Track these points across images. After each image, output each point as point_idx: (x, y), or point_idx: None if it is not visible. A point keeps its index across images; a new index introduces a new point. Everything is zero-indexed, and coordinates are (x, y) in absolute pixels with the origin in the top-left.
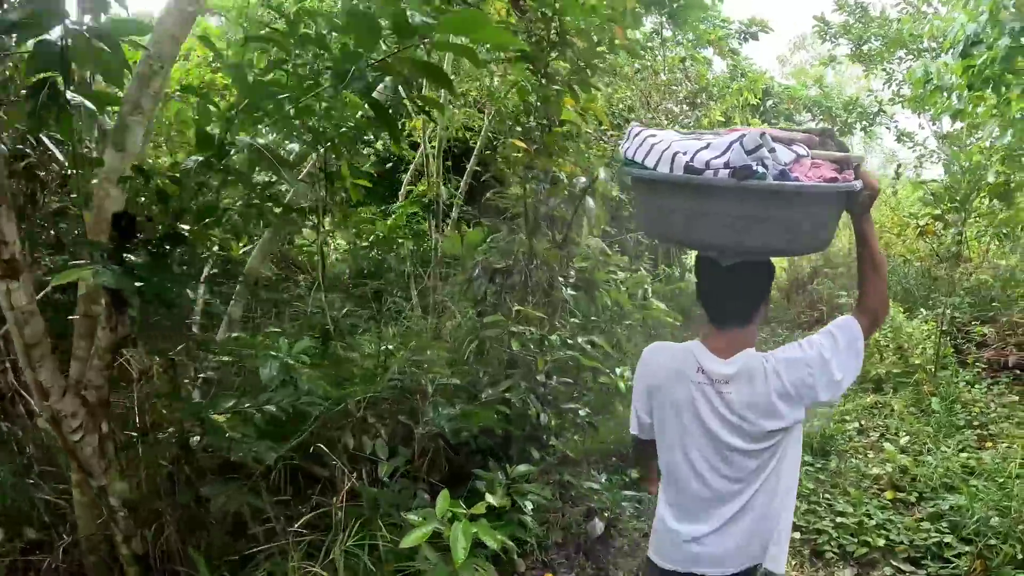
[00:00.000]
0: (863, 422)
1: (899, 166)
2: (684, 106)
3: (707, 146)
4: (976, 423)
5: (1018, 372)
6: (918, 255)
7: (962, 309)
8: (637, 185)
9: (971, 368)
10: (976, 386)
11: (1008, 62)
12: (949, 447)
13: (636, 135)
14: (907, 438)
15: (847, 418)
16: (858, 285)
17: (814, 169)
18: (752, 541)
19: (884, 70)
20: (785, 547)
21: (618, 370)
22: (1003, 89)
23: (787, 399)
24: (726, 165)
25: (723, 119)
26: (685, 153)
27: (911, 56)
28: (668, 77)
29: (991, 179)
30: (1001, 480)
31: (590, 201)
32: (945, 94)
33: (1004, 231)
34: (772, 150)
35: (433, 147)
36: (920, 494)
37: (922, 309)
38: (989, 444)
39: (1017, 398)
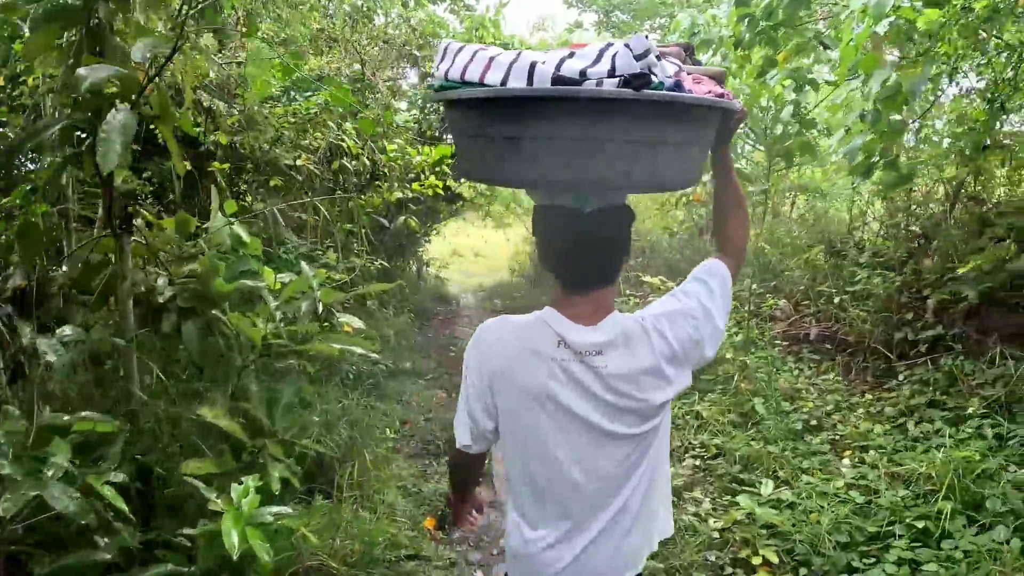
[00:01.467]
0: (677, 452)
1: None
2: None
3: (571, 55)
4: (814, 422)
5: (827, 346)
6: (684, 226)
7: (738, 281)
8: (464, 114)
9: (770, 348)
10: (788, 371)
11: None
12: (808, 470)
13: (459, 50)
14: (749, 468)
15: None
16: (717, 225)
17: (697, 85)
18: (633, 545)
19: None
20: (670, 516)
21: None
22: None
23: (675, 361)
24: (611, 74)
25: None
26: (544, 63)
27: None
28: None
29: None
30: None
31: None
32: (712, 50)
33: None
34: (659, 57)
35: None
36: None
37: None
38: (847, 452)
39: (839, 378)
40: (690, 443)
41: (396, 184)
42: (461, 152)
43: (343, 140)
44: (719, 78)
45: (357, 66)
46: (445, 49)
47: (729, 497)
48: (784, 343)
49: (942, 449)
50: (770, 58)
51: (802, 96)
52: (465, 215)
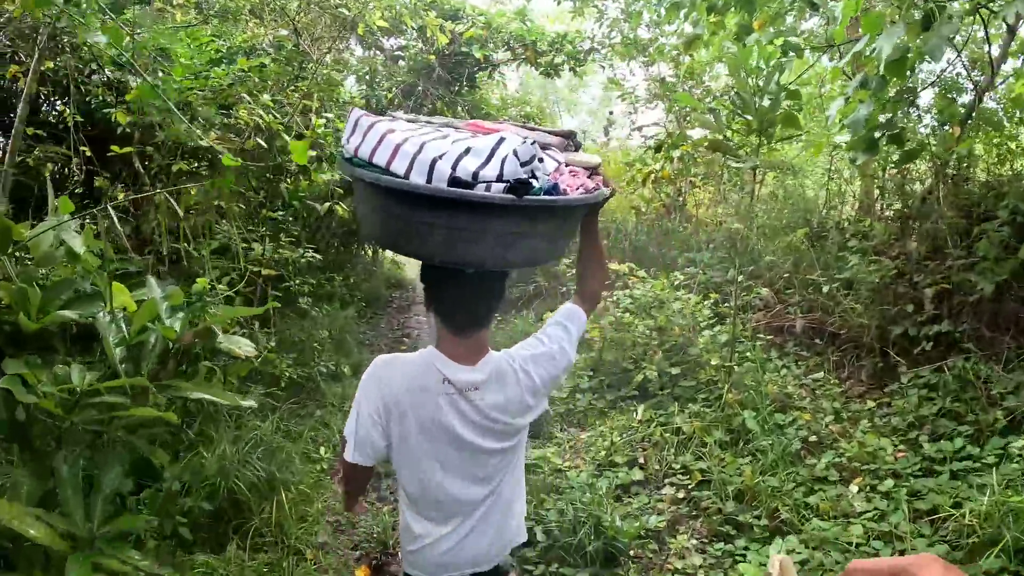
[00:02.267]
0: (656, 495)
1: (611, 113)
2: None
3: (467, 151)
4: (814, 438)
5: (817, 341)
6: (653, 205)
7: (712, 267)
8: (373, 193)
9: (755, 348)
10: (775, 370)
11: None
12: (816, 508)
13: (369, 128)
14: (744, 503)
15: (621, 484)
16: (580, 276)
17: (573, 178)
18: (505, 527)
19: (596, 7)
20: (523, 516)
21: None
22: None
23: (536, 394)
24: (499, 178)
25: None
26: (443, 158)
27: None
28: None
29: None
30: None
31: None
32: (683, 15)
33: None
34: (541, 160)
35: None
36: None
37: (678, 275)
38: (857, 479)
39: (833, 378)
40: (671, 466)
41: (326, 164)
42: (364, 219)
43: (259, 115)
44: (595, 168)
45: (285, 32)
46: (356, 123)
47: (722, 544)
48: (767, 336)
49: (969, 479)
50: (745, 25)
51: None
52: None
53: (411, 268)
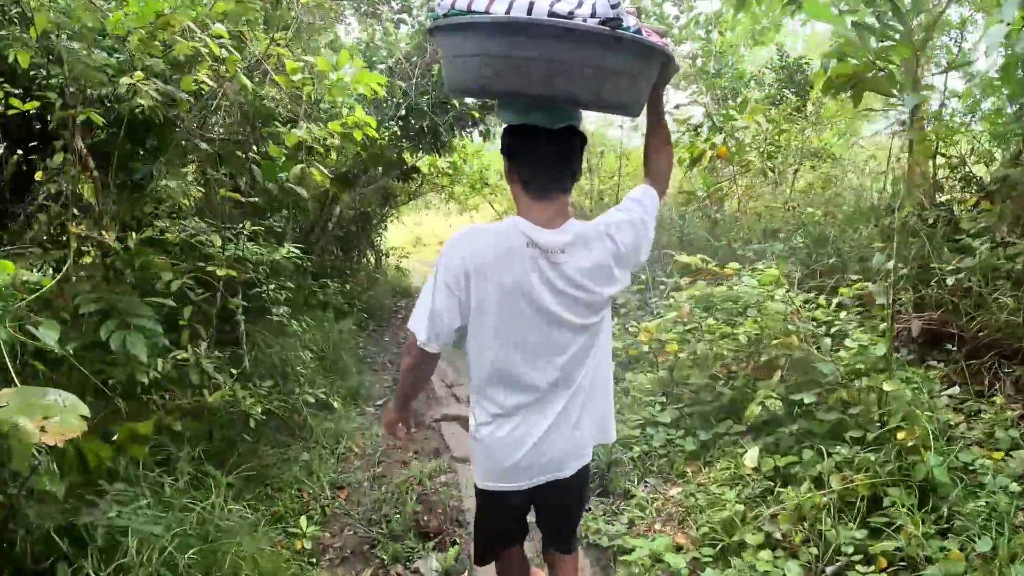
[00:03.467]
0: None
1: None
2: None
3: None
4: (1015, 486)
5: (949, 347)
6: (712, 189)
7: (786, 259)
8: (471, 36)
9: (904, 364)
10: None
11: None
12: None
13: None
14: None
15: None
16: (649, 157)
17: (649, 35)
18: (583, 434)
19: None
20: (612, 416)
21: None
22: None
23: (620, 262)
24: (592, 15)
25: None
26: (539, 1)
27: None
28: None
29: None
30: None
31: None
32: None
33: None
34: (625, 11)
35: None
36: None
37: (762, 265)
38: None
39: (993, 399)
40: (839, 548)
41: (303, 123)
42: (457, 69)
43: (207, 46)
44: (663, 34)
45: None
46: None
47: None
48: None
49: None
50: None
51: None
52: (428, 200)
53: (417, 276)
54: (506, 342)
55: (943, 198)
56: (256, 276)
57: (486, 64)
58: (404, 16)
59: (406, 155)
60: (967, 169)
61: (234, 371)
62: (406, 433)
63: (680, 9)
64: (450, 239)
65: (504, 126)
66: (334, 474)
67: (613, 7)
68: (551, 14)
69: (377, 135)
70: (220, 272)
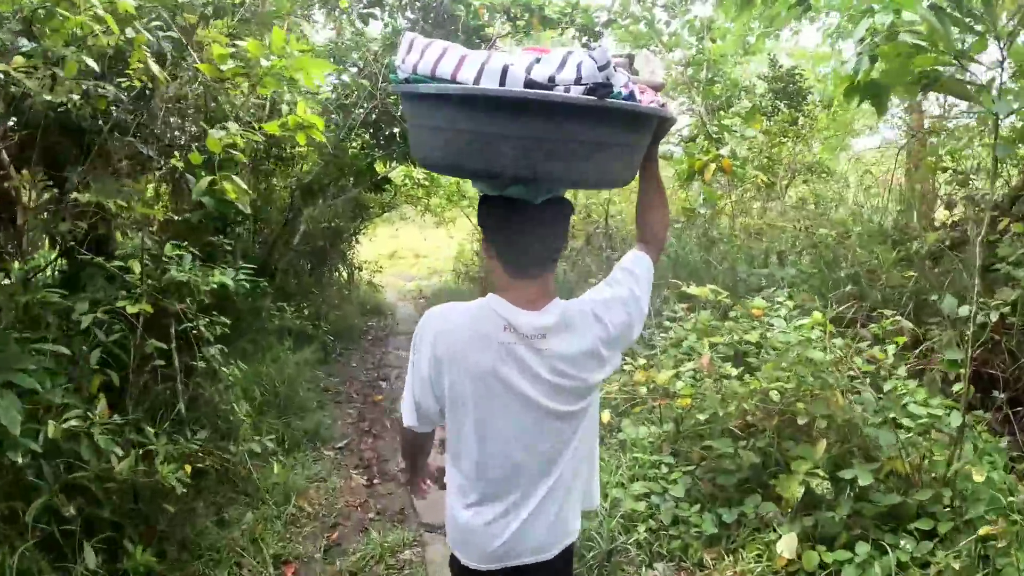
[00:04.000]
0: None
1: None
2: None
3: (538, 60)
4: None
5: (996, 393)
6: (715, 204)
7: (798, 287)
8: (436, 108)
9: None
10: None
11: None
12: None
13: (427, 45)
14: None
15: None
16: (642, 217)
17: (642, 95)
18: (566, 518)
19: None
20: (596, 486)
21: None
22: None
23: (610, 344)
24: (577, 81)
25: None
26: (515, 66)
27: None
28: None
29: None
30: None
31: None
32: None
33: None
34: (615, 68)
35: None
36: None
37: (760, 300)
38: None
39: None
40: None
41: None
42: (422, 141)
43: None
44: (658, 88)
45: None
46: (411, 43)
47: None
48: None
49: None
50: None
51: None
52: (404, 212)
53: (391, 291)
54: (484, 432)
55: (953, 217)
56: (186, 309)
57: (453, 139)
58: (374, 11)
59: (378, 165)
60: (973, 185)
61: (152, 429)
62: (427, 487)
63: (671, 15)
64: (423, 320)
65: (480, 196)
66: (280, 544)
67: (601, 69)
68: (528, 82)
69: (324, 137)
70: (131, 308)
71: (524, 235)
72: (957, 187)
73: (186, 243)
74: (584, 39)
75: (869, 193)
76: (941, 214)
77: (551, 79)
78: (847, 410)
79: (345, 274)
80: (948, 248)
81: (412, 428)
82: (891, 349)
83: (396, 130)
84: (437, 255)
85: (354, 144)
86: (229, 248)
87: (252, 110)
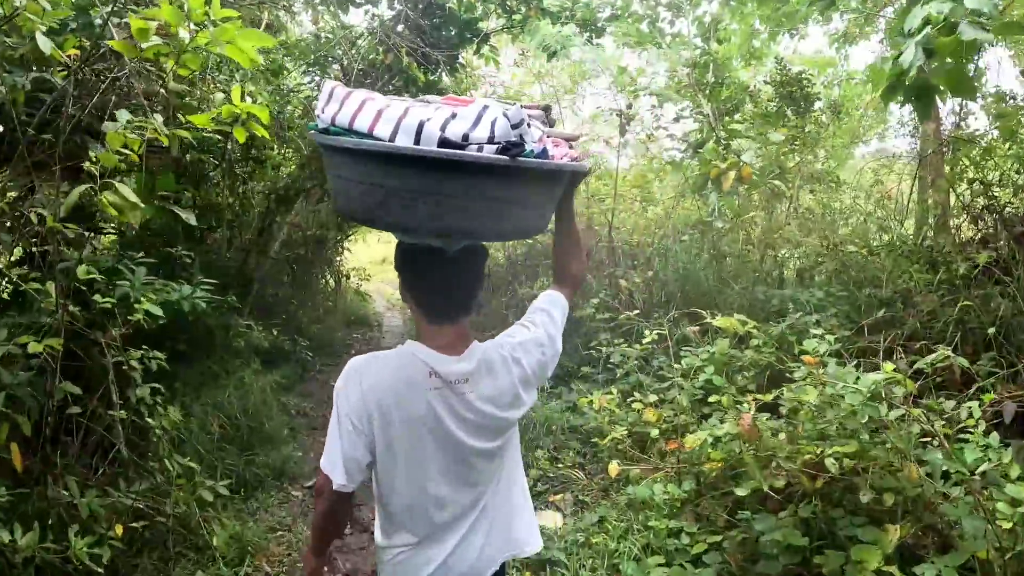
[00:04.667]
0: None
1: (629, 106)
2: None
3: (453, 116)
4: None
5: None
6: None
7: (824, 311)
8: (353, 161)
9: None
10: None
11: None
12: None
13: (347, 96)
14: None
15: None
16: (558, 260)
17: (556, 147)
18: (494, 547)
19: None
20: (533, 526)
21: None
22: None
23: (527, 384)
24: (490, 140)
25: None
26: (429, 121)
27: None
28: None
29: None
30: None
31: None
32: None
33: None
34: (529, 125)
35: None
36: None
37: (783, 328)
38: None
39: None
40: None
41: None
42: (340, 191)
43: None
44: (572, 140)
45: None
46: (331, 93)
47: None
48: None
49: None
50: None
51: None
52: None
53: (379, 299)
54: (415, 476)
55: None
56: (111, 342)
57: (369, 192)
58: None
59: None
60: (993, 197)
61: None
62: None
63: (675, 14)
64: (345, 370)
65: (397, 242)
66: None
67: (515, 127)
68: (443, 140)
69: (265, 132)
70: (34, 347)
71: (442, 282)
72: (979, 199)
73: (142, 254)
74: (586, 35)
75: (881, 205)
76: (965, 228)
77: (465, 137)
78: (926, 488)
79: (332, 282)
80: (983, 267)
81: (340, 488)
82: (976, 409)
83: None
84: None
85: None
86: (189, 260)
87: (186, 99)
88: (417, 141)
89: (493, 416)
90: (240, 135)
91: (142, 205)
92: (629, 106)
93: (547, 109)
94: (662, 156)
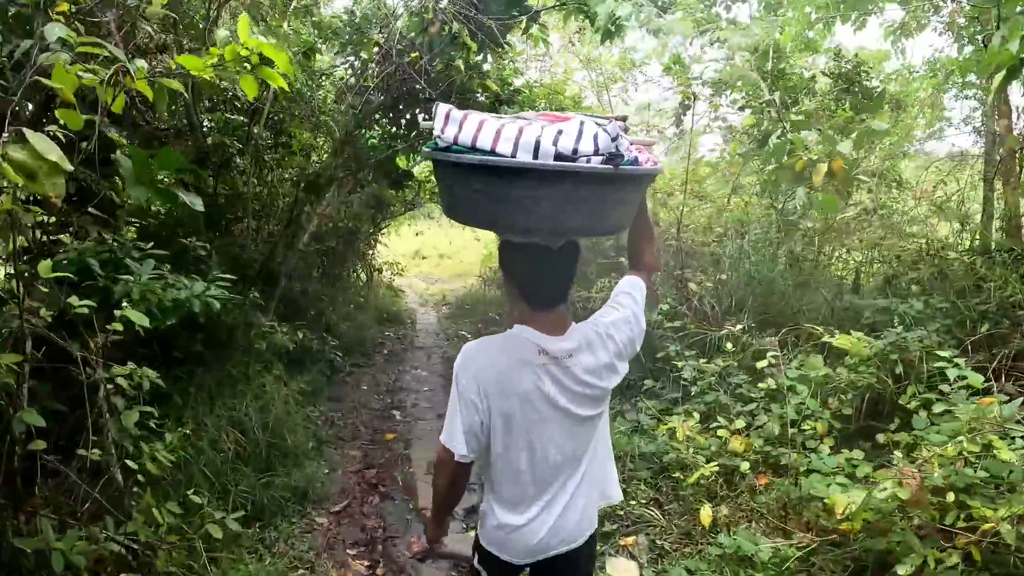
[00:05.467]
0: None
1: (693, 96)
2: None
3: (560, 133)
4: None
5: None
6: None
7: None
8: (474, 173)
9: None
10: None
11: None
12: None
13: (464, 118)
14: None
15: None
16: (634, 251)
17: (640, 154)
18: (592, 506)
19: None
20: (616, 478)
21: None
22: None
23: (620, 357)
24: (595, 152)
25: None
26: (542, 139)
27: None
28: None
29: None
30: None
31: None
32: None
33: None
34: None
35: None
36: None
37: (873, 341)
38: None
39: None
40: None
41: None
42: (460, 201)
43: None
44: (649, 146)
45: None
46: (448, 115)
47: None
48: None
49: None
50: None
51: None
52: (429, 210)
53: (412, 295)
54: (530, 443)
55: None
56: (88, 357)
57: (492, 202)
58: None
59: (400, 160)
60: None
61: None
62: (444, 545)
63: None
64: (460, 358)
65: (501, 241)
66: None
67: (613, 140)
68: (558, 155)
69: (285, 85)
70: None
71: (544, 275)
72: None
73: (152, 245)
74: (654, 11)
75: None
76: None
77: (574, 151)
78: None
79: (363, 276)
80: None
81: (461, 459)
82: None
83: (420, 113)
84: (461, 256)
85: (372, 134)
86: (204, 252)
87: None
88: (535, 156)
89: (595, 385)
90: (250, 87)
91: (67, 167)
92: (686, 97)
93: (623, 119)
94: (724, 149)
